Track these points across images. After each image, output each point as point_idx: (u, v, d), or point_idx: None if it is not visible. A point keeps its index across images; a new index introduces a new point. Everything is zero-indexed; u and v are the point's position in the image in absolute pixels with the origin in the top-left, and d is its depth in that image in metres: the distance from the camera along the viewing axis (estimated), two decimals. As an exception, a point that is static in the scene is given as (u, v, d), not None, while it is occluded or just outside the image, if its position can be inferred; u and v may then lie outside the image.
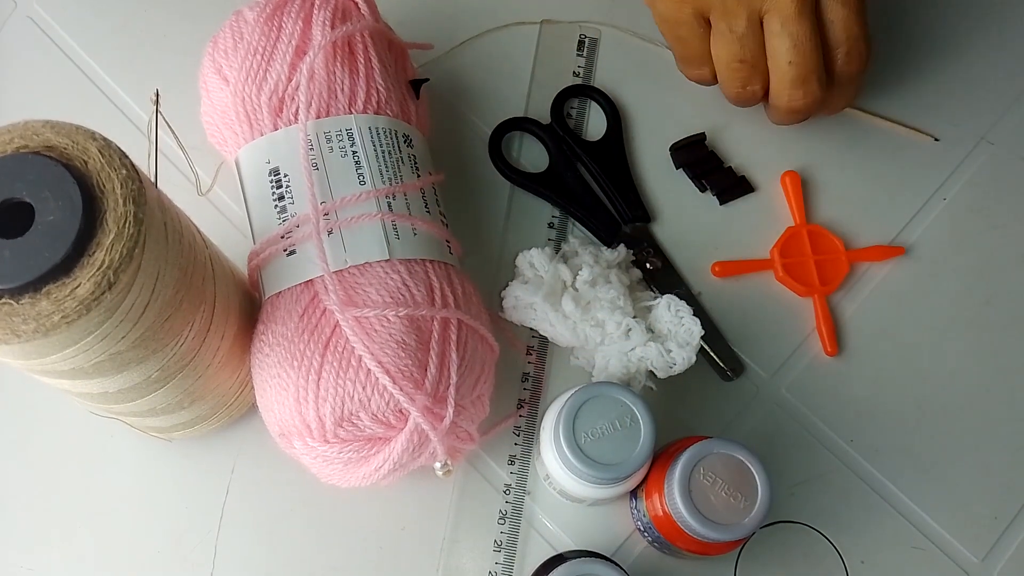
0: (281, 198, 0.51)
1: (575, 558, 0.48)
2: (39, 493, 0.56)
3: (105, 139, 0.40)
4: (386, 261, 0.50)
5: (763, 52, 0.55)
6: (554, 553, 0.54)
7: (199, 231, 0.48)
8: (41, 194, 0.38)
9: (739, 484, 0.48)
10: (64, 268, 0.37)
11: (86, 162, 0.39)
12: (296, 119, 0.52)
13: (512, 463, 0.57)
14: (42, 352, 0.39)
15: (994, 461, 0.58)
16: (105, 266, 0.37)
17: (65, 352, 0.39)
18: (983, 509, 0.57)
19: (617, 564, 0.48)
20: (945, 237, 0.63)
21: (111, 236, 0.38)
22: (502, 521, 0.56)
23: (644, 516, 0.52)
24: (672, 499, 0.48)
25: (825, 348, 0.60)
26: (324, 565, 0.55)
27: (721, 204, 0.63)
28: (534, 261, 0.59)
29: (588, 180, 0.64)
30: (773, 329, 0.60)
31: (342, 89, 0.53)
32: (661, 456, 0.52)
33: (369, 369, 0.47)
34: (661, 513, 0.50)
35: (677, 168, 0.64)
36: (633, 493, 0.54)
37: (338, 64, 0.53)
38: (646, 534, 0.54)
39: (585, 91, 0.66)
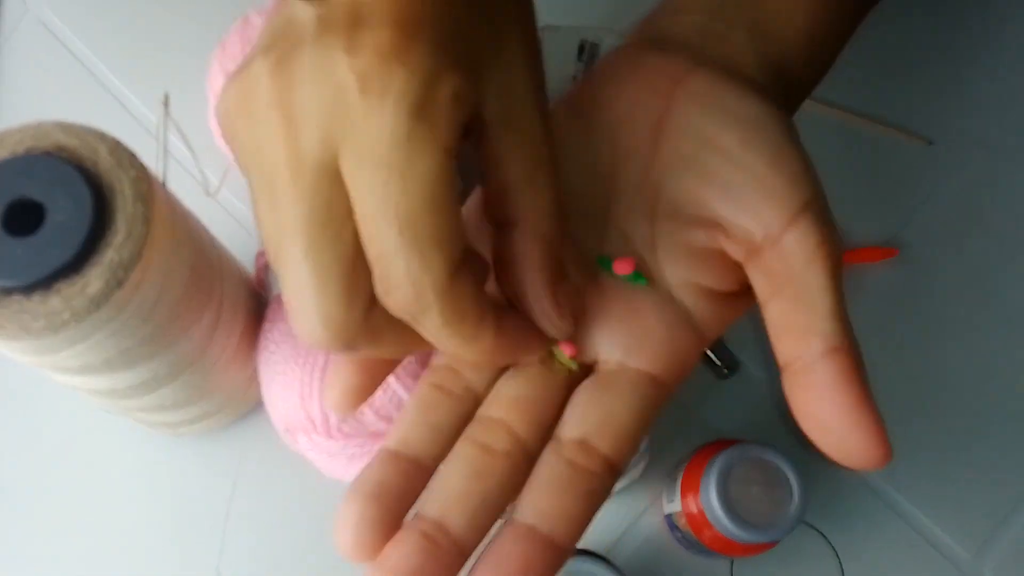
0: (286, 199, 0.52)
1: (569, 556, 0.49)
2: (47, 487, 0.57)
3: (115, 140, 0.41)
4: (388, 260, 0.50)
5: None
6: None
7: (207, 231, 0.49)
8: (52, 194, 0.38)
9: (772, 487, 0.49)
10: (74, 266, 0.38)
11: (96, 163, 0.40)
12: (301, 121, 0.53)
13: (512, 459, 0.57)
14: (52, 349, 0.39)
15: (986, 458, 0.58)
16: (115, 265, 0.38)
17: (75, 349, 0.40)
18: (976, 505, 0.57)
19: (611, 562, 0.49)
20: (939, 239, 0.63)
21: (120, 235, 0.38)
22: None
23: (676, 512, 0.53)
24: (709, 502, 0.49)
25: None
26: (329, 559, 0.55)
27: (719, 205, 0.64)
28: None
29: (588, 182, 0.64)
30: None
31: (346, 92, 0.54)
32: (695, 457, 0.53)
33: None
34: (696, 511, 0.51)
35: (676, 170, 0.64)
36: (667, 488, 0.55)
37: (342, 68, 0.54)
38: (675, 531, 0.55)
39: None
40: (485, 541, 0.32)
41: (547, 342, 0.34)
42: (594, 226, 0.37)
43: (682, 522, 0.53)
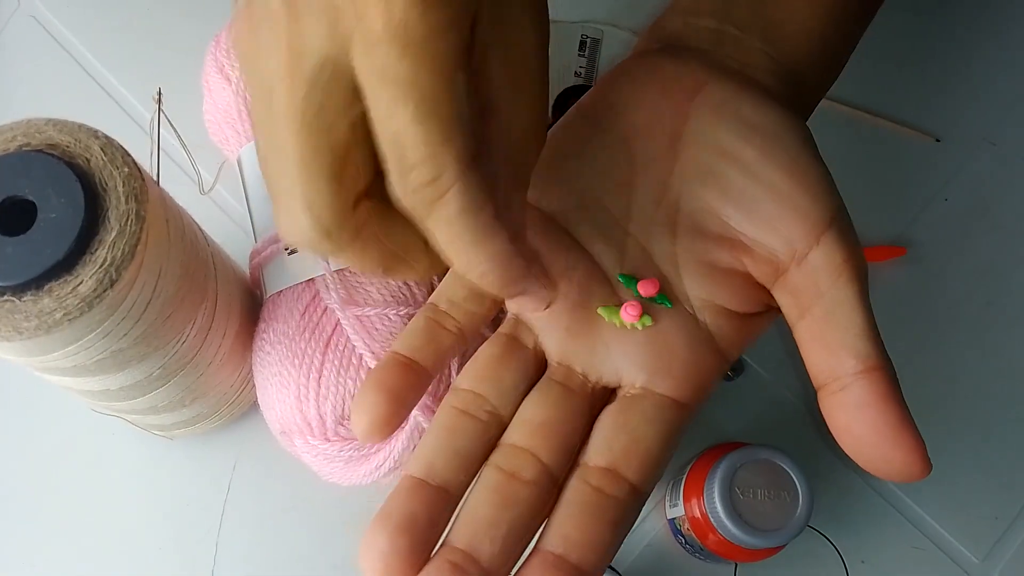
0: (283, 197, 0.51)
1: None
2: (41, 491, 0.56)
3: (107, 137, 0.40)
4: (387, 260, 0.50)
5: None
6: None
7: (201, 229, 0.48)
8: (44, 192, 0.38)
9: (778, 490, 0.48)
10: (66, 265, 0.37)
11: (88, 160, 0.39)
12: (298, 118, 0.52)
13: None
14: (44, 349, 0.39)
15: (995, 461, 0.58)
16: (107, 263, 0.38)
17: (67, 349, 0.39)
18: (983, 509, 0.57)
19: (613, 568, 0.48)
20: (947, 237, 0.63)
21: (113, 234, 0.38)
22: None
23: (679, 515, 0.53)
24: (712, 506, 0.48)
25: (826, 348, 0.60)
26: (325, 563, 0.55)
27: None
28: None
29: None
30: (774, 329, 0.60)
31: (344, 88, 0.53)
32: (699, 460, 0.53)
33: (370, 368, 0.47)
34: (700, 516, 0.51)
35: (678, 168, 0.64)
36: (670, 491, 0.55)
37: (340, 63, 0.53)
38: (679, 536, 0.55)
39: (587, 91, 0.65)
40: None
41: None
42: (612, 238, 0.37)
43: (686, 527, 0.52)
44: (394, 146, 0.28)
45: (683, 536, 0.53)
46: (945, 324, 0.61)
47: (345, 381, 0.47)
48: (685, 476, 0.53)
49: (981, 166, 0.64)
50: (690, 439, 0.56)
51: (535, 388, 0.36)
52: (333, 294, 0.48)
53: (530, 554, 0.32)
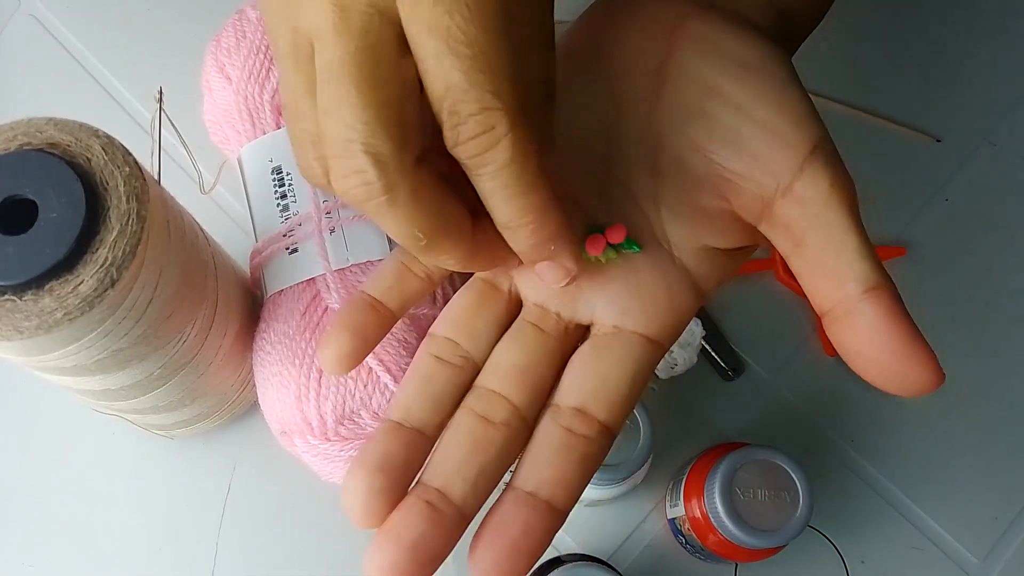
0: (283, 196, 0.51)
1: (572, 562, 0.48)
2: (41, 490, 0.57)
3: (108, 136, 0.40)
4: (388, 260, 0.50)
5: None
6: (552, 555, 0.54)
7: (201, 229, 0.48)
8: (44, 191, 0.38)
9: (778, 490, 0.48)
10: (67, 265, 0.37)
11: (89, 159, 0.39)
12: (298, 118, 0.52)
13: (513, 462, 0.57)
14: (44, 349, 0.39)
15: (994, 461, 0.58)
16: (108, 263, 0.38)
17: (67, 349, 0.39)
18: (983, 509, 0.57)
19: (614, 568, 0.48)
20: (946, 237, 0.62)
21: (114, 233, 0.38)
22: (503, 520, 0.56)
23: (680, 515, 0.53)
24: (713, 506, 0.48)
25: (826, 348, 0.60)
26: (325, 563, 0.55)
27: (722, 204, 0.63)
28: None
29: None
30: (774, 329, 0.60)
31: (344, 88, 0.53)
32: (699, 460, 0.53)
33: (371, 367, 0.47)
34: (700, 516, 0.51)
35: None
36: (671, 491, 0.55)
37: (340, 63, 0.53)
38: (679, 536, 0.55)
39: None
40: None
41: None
42: (594, 180, 0.37)
43: (686, 527, 0.52)
44: (446, 98, 0.29)
45: (683, 536, 0.53)
46: (945, 324, 0.61)
47: (345, 381, 0.47)
48: (685, 476, 0.53)
49: (981, 166, 0.64)
50: (690, 439, 0.56)
51: (509, 331, 0.37)
52: (333, 294, 0.48)
53: (503, 492, 0.33)
